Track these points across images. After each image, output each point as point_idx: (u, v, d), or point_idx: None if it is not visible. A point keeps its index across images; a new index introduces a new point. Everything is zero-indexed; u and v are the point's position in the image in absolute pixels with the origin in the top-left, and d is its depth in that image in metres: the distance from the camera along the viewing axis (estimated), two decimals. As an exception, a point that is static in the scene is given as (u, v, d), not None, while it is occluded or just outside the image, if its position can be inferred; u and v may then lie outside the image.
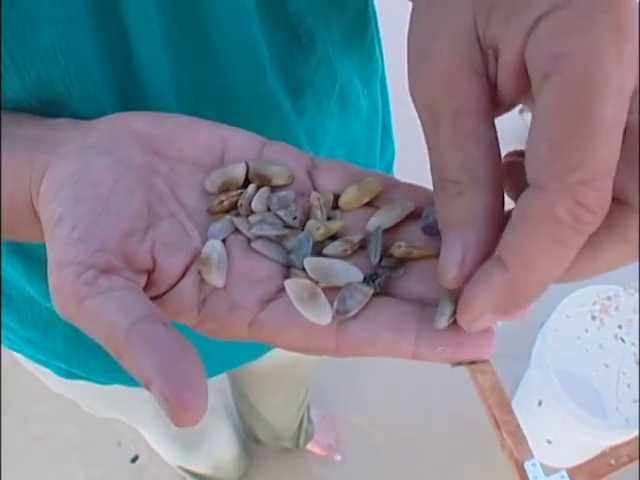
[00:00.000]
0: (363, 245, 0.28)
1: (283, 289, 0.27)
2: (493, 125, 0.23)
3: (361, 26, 0.46)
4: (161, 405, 0.21)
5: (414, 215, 0.28)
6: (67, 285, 0.24)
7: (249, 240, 0.29)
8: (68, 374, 0.60)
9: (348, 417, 1.45)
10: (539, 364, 1.03)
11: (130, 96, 0.35)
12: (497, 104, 0.23)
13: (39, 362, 0.60)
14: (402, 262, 0.27)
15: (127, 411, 0.80)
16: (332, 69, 0.43)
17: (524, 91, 0.22)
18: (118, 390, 0.63)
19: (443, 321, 0.23)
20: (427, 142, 0.23)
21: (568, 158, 0.19)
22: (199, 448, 1.03)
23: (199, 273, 0.27)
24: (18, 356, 0.61)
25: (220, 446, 1.12)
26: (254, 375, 0.98)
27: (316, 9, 0.39)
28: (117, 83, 0.34)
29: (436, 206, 0.24)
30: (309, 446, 1.39)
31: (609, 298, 1.09)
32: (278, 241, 0.28)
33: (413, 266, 0.27)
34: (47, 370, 0.61)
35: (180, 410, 0.21)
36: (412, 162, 1.01)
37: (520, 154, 0.25)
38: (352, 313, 0.25)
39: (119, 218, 0.26)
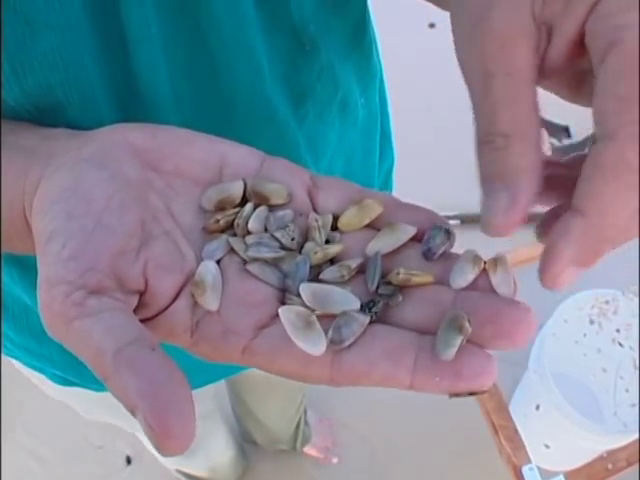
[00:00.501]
0: (362, 269, 0.28)
1: (278, 314, 0.26)
2: (536, 91, 0.25)
3: (360, 32, 0.46)
4: (146, 433, 0.21)
5: (415, 238, 0.28)
6: (56, 304, 0.23)
7: (245, 261, 0.28)
8: (64, 381, 0.60)
9: (345, 420, 1.45)
10: (537, 368, 1.02)
11: (128, 102, 0.35)
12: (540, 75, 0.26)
13: (35, 369, 0.60)
14: (400, 289, 0.26)
15: (123, 416, 0.79)
16: (334, 77, 0.43)
17: (573, 64, 0.26)
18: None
19: (451, 352, 0.23)
20: (475, 101, 0.25)
21: (635, 111, 0.22)
22: (196, 451, 1.03)
23: (192, 296, 0.27)
24: (15, 361, 0.61)
25: (217, 449, 1.13)
26: (251, 379, 0.98)
27: (320, 15, 0.38)
28: (116, 89, 0.34)
29: (480, 160, 0.25)
30: (306, 449, 1.39)
31: (607, 302, 1.09)
32: (274, 263, 0.28)
33: (411, 293, 0.26)
34: (43, 377, 0.60)
35: (165, 439, 0.20)
36: (412, 167, 1.01)
37: (556, 166, 0.28)
38: (347, 343, 0.24)
39: (111, 236, 0.25)
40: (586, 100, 0.27)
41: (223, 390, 1.19)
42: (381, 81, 0.57)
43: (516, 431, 1.03)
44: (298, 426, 1.26)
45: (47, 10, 0.29)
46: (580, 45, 0.24)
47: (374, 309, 0.25)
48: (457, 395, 0.24)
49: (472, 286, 0.26)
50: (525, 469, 1.01)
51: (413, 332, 0.25)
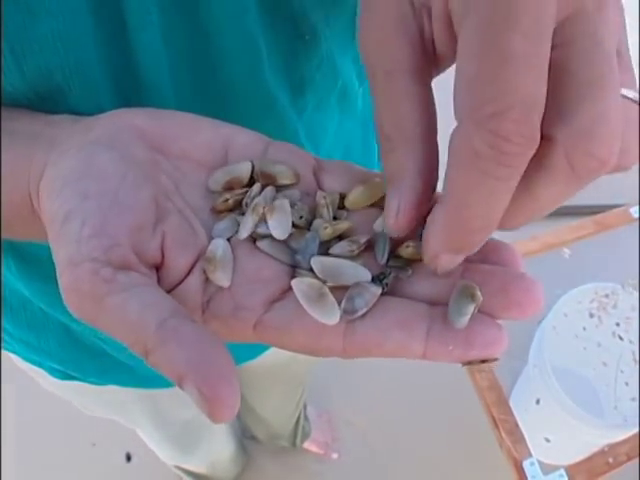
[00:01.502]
0: (369, 246, 0.28)
1: (289, 290, 0.26)
2: (427, 83, 0.24)
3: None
4: (197, 402, 0.21)
5: None
6: (84, 283, 0.23)
7: (254, 239, 0.28)
8: (62, 375, 0.59)
9: (345, 415, 1.45)
10: (537, 362, 1.02)
11: (128, 88, 0.35)
12: (436, 62, 0.24)
13: (33, 363, 0.59)
14: (410, 262, 0.26)
15: (122, 411, 0.80)
16: (334, 67, 0.43)
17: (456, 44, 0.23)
18: (113, 391, 0.62)
19: (464, 320, 0.23)
20: (372, 102, 0.25)
21: (481, 92, 0.19)
22: (196, 447, 1.03)
23: (204, 272, 0.27)
24: (13, 356, 0.60)
25: (217, 445, 1.12)
26: (250, 373, 0.97)
27: (320, 5, 0.38)
28: (115, 75, 0.34)
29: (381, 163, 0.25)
30: (306, 444, 1.39)
31: (607, 296, 1.09)
32: (284, 240, 0.28)
33: (421, 266, 0.26)
34: (41, 370, 0.60)
35: (218, 405, 0.21)
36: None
37: None
38: (360, 313, 0.25)
39: (129, 212, 0.25)
40: None
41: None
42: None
43: (516, 425, 1.03)
44: (298, 421, 1.26)
45: None
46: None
47: (385, 280, 0.26)
48: (469, 363, 0.24)
49: (480, 259, 0.26)
50: (526, 463, 1.01)
51: (425, 303, 0.25)
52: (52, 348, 0.54)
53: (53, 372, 0.60)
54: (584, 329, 1.14)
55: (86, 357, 0.55)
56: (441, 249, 0.23)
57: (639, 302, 1.05)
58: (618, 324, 1.11)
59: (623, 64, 0.23)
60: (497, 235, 0.26)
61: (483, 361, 0.24)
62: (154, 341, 0.22)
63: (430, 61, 0.24)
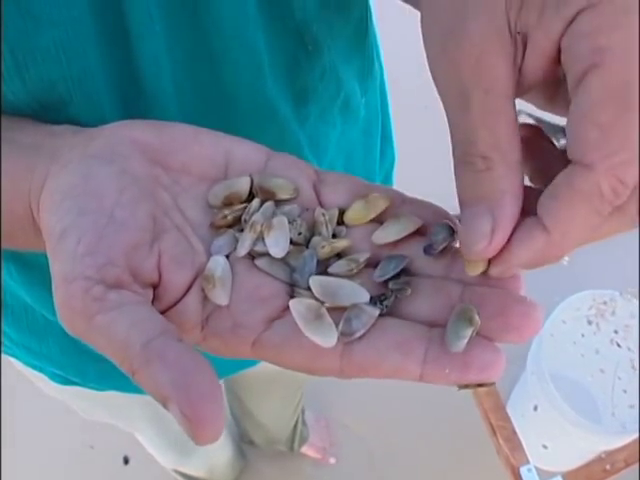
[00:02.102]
0: (369, 263, 0.28)
1: (288, 308, 0.26)
2: (515, 107, 0.24)
3: (362, 33, 0.46)
4: (180, 423, 0.21)
5: (420, 232, 0.28)
6: (76, 301, 0.23)
7: (253, 257, 0.28)
8: (63, 380, 0.59)
9: (342, 420, 1.45)
10: (535, 369, 1.03)
11: (130, 99, 0.35)
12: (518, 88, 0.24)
13: (34, 367, 0.59)
14: (409, 283, 0.26)
15: (122, 416, 0.80)
16: (337, 77, 0.43)
17: (550, 77, 0.24)
18: (113, 396, 0.62)
19: (462, 344, 0.23)
20: (452, 118, 0.24)
21: (615, 141, 0.21)
22: (194, 452, 1.03)
23: (202, 290, 0.27)
24: (13, 359, 0.60)
25: (215, 449, 1.12)
26: (249, 378, 0.97)
27: (323, 16, 0.38)
28: (118, 85, 0.34)
29: (459, 181, 0.25)
30: (303, 449, 1.38)
31: (605, 303, 1.09)
32: (282, 258, 0.28)
33: (420, 287, 0.26)
34: (42, 375, 0.60)
35: (201, 427, 0.21)
36: (412, 167, 1.01)
37: (532, 131, 0.28)
38: (358, 334, 0.25)
39: (125, 230, 0.25)
40: (561, 110, 0.27)
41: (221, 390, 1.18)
42: (382, 81, 0.57)
43: (514, 431, 1.03)
44: (296, 426, 1.26)
45: (51, 5, 0.29)
46: (556, 61, 0.23)
47: (386, 302, 0.25)
48: (466, 387, 0.24)
49: (479, 281, 0.26)
50: (523, 470, 1.01)
51: (423, 325, 0.25)
52: (53, 353, 0.54)
53: (54, 377, 0.59)
54: (582, 336, 1.15)
55: (87, 362, 0.55)
56: (520, 265, 0.24)
57: (639, 309, 1.05)
58: (616, 331, 1.12)
59: None
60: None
61: (480, 385, 0.24)
62: (139, 361, 0.22)
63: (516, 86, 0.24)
